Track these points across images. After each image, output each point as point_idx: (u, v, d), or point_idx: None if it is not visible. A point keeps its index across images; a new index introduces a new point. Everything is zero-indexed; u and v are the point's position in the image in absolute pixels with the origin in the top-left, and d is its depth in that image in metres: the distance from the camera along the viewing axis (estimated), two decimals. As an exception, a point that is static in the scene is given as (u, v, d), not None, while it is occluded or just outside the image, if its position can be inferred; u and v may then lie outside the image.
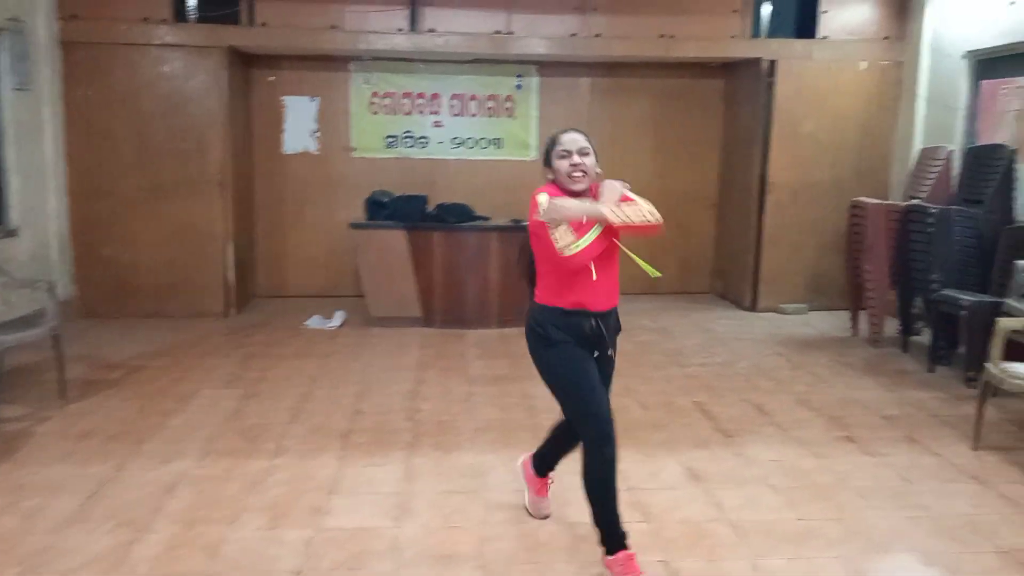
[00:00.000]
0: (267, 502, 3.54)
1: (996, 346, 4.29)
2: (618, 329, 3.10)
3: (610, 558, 2.94)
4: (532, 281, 3.08)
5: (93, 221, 6.94)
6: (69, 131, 6.83)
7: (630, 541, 2.96)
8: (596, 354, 2.99)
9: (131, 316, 6.99)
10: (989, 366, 4.26)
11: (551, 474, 3.48)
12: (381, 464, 3.97)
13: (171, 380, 5.28)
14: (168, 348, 6.08)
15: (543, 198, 2.85)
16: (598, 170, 2.99)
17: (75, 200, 6.89)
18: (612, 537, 2.94)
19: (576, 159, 2.93)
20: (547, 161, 3.02)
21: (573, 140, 2.97)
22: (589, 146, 2.98)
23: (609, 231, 2.82)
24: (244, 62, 7.55)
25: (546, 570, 3.01)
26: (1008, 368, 4.19)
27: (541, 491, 3.47)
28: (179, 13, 6.90)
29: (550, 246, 2.77)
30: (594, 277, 2.87)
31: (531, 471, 3.48)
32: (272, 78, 7.82)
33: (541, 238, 2.86)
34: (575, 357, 2.94)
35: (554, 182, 3.00)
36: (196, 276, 7.11)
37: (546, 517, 3.43)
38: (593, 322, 2.93)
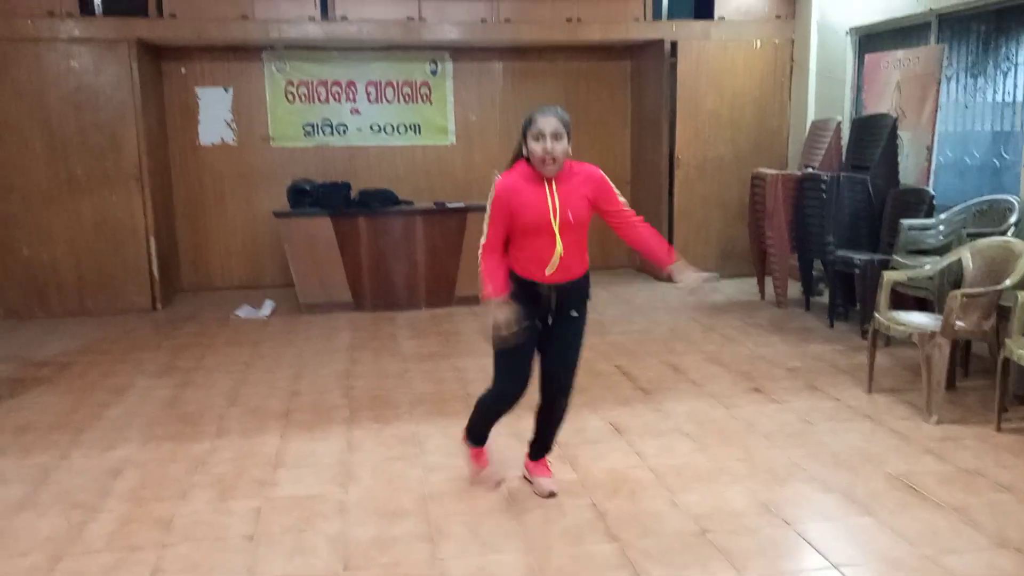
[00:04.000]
0: (214, 479, 3.67)
1: (883, 297, 4.73)
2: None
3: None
4: None
5: (7, 218, 6.83)
6: (-25, 128, 6.70)
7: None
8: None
9: (53, 315, 6.92)
10: (877, 315, 4.69)
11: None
12: (322, 438, 4.14)
13: (102, 374, 5.31)
14: (96, 344, 6.06)
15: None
16: (569, 152, 3.05)
17: (-13, 198, 6.78)
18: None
19: (549, 144, 2.96)
20: (524, 136, 3.06)
21: (548, 123, 2.97)
22: (563, 130, 2.99)
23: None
24: (154, 54, 7.49)
25: (484, 520, 3.25)
26: (893, 316, 4.63)
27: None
28: (85, 5, 6.80)
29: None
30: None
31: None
32: (184, 70, 7.78)
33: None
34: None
35: (527, 160, 3.08)
36: (119, 272, 7.07)
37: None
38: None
